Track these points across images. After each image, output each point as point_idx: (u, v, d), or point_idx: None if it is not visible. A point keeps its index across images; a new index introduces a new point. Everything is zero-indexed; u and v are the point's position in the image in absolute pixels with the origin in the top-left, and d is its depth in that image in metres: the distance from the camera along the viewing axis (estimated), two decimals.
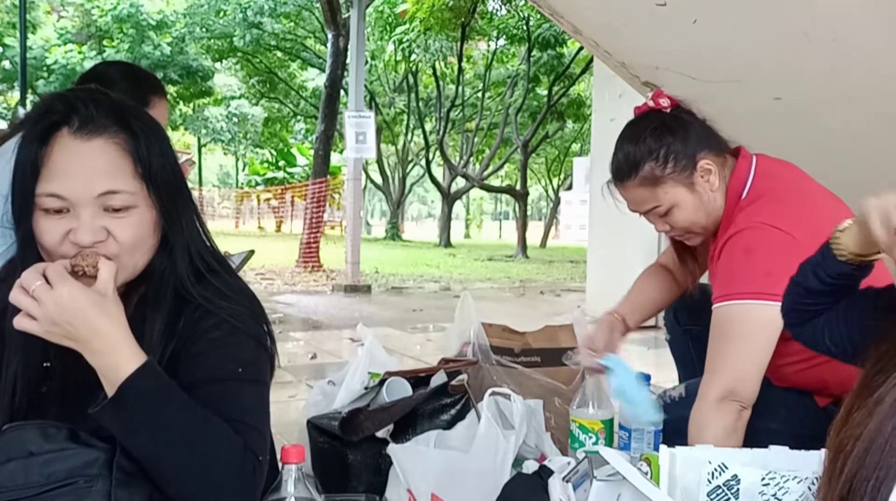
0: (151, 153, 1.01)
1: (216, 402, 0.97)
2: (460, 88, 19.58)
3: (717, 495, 1.07)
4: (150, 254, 1.04)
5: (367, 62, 16.15)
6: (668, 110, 1.62)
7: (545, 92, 18.30)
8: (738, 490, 1.07)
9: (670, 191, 1.58)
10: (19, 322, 0.91)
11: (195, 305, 1.05)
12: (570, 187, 17.64)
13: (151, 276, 1.05)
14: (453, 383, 1.81)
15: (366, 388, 1.83)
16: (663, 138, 1.58)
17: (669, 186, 1.58)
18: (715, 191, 1.60)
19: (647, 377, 1.64)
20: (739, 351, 1.45)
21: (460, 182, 21.53)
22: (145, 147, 1.01)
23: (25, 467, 0.90)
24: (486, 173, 21.28)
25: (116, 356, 0.92)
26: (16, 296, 0.91)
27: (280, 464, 0.95)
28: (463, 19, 15.52)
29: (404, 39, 16.65)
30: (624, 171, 1.62)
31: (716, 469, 1.08)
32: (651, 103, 1.64)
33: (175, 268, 1.05)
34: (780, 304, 1.42)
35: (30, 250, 1.01)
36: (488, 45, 20.12)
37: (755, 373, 1.44)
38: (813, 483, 1.06)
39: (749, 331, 1.45)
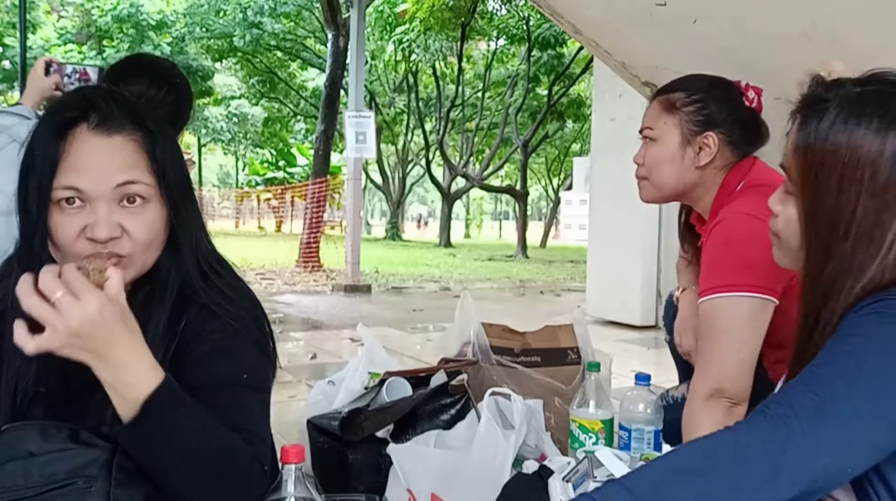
0: (165, 153, 1.04)
1: (223, 408, 0.96)
2: (460, 88, 19.58)
3: None
4: (159, 252, 1.05)
5: (367, 62, 16.15)
6: (749, 104, 1.63)
7: (545, 92, 18.30)
8: None
9: (669, 124, 1.62)
10: (38, 344, 0.85)
11: (199, 305, 1.05)
12: (570, 187, 17.67)
13: (157, 274, 1.06)
14: (453, 383, 1.81)
15: (366, 388, 1.83)
16: (710, 94, 1.62)
17: (671, 122, 1.62)
18: (698, 168, 1.61)
19: (647, 378, 1.64)
20: (723, 347, 1.44)
21: (460, 182, 21.53)
22: (160, 147, 1.03)
23: (25, 467, 0.90)
24: (486, 173, 21.27)
25: (134, 370, 0.89)
26: (35, 305, 0.85)
27: (280, 464, 0.95)
28: (463, 19, 15.52)
29: (404, 39, 16.65)
30: (666, 86, 1.69)
31: None
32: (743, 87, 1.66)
33: (181, 267, 1.06)
34: (760, 296, 1.43)
35: (42, 248, 1.00)
36: (488, 45, 20.13)
37: (742, 368, 1.43)
38: None
39: (731, 326, 1.43)
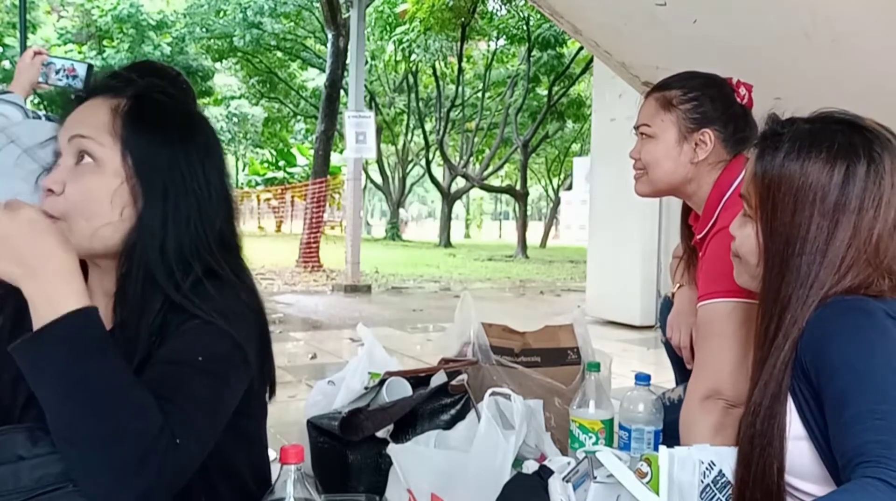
0: (142, 128, 1.01)
1: (160, 380, 0.89)
2: (460, 88, 19.58)
3: (707, 493, 1.08)
4: (117, 233, 0.99)
5: (367, 62, 16.15)
6: (741, 100, 1.66)
7: (545, 92, 18.30)
8: (721, 484, 1.08)
9: (666, 122, 1.65)
10: None
11: (187, 315, 0.97)
12: (570, 187, 17.65)
13: (123, 267, 1.00)
14: (453, 383, 1.81)
15: (366, 388, 1.83)
16: (706, 92, 1.64)
17: (668, 121, 1.65)
18: (693, 164, 1.63)
19: (647, 378, 1.63)
20: (721, 349, 1.46)
21: (460, 182, 21.53)
22: (136, 117, 1.01)
23: (14, 472, 0.87)
24: (486, 173, 21.27)
25: (60, 289, 0.86)
26: None
27: (279, 465, 0.95)
28: (463, 19, 15.52)
29: (404, 39, 16.65)
30: (660, 83, 1.71)
31: (706, 468, 1.09)
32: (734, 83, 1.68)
33: (144, 260, 0.98)
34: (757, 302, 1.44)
35: None
36: (488, 45, 20.13)
37: (739, 370, 1.43)
38: None
39: (731, 329, 1.45)
